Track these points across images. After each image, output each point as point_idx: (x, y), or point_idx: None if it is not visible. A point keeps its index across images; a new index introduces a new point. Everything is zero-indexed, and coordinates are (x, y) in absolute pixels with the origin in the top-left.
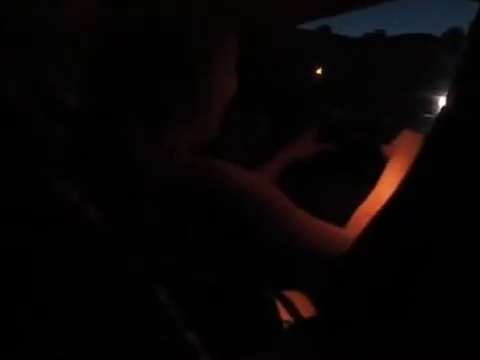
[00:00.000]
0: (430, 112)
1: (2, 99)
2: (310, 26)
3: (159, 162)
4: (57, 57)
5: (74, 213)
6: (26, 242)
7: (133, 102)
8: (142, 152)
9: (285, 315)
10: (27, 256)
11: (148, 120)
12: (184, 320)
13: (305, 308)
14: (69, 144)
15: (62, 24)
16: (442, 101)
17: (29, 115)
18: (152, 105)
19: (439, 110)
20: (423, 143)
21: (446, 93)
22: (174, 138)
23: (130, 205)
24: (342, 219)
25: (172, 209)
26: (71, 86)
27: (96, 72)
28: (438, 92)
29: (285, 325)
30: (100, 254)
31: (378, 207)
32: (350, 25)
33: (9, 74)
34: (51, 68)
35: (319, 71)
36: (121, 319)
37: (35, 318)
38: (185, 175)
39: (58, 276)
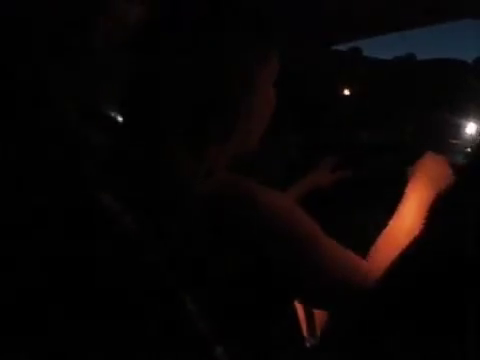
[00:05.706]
0: (457, 137)
1: (51, 108)
2: (341, 47)
3: (199, 179)
4: (100, 72)
5: (109, 218)
6: (63, 242)
7: (176, 119)
8: (183, 169)
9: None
10: (63, 259)
11: (190, 137)
12: (212, 333)
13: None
14: (110, 155)
15: (106, 41)
16: (470, 127)
17: (72, 124)
18: (194, 123)
19: (466, 135)
20: (458, 173)
21: (475, 119)
22: (214, 155)
23: (165, 218)
24: (364, 242)
25: (202, 226)
26: (113, 99)
27: (139, 87)
28: (466, 117)
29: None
30: (132, 261)
31: (400, 234)
32: (381, 47)
33: (59, 88)
34: (93, 82)
35: (347, 92)
36: (149, 328)
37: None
38: (215, 194)
39: (90, 278)
